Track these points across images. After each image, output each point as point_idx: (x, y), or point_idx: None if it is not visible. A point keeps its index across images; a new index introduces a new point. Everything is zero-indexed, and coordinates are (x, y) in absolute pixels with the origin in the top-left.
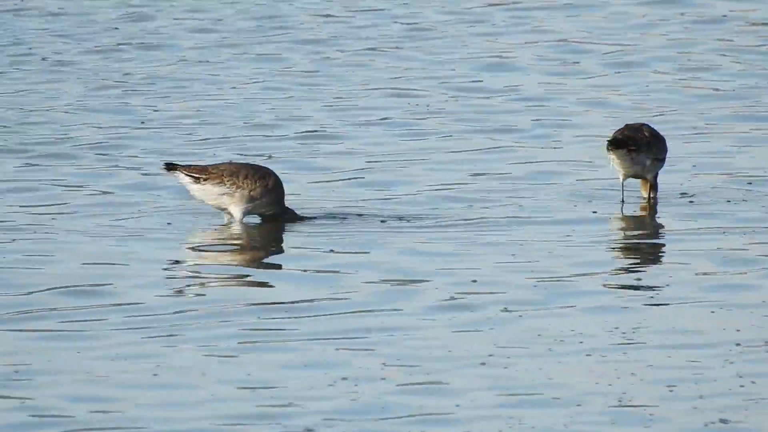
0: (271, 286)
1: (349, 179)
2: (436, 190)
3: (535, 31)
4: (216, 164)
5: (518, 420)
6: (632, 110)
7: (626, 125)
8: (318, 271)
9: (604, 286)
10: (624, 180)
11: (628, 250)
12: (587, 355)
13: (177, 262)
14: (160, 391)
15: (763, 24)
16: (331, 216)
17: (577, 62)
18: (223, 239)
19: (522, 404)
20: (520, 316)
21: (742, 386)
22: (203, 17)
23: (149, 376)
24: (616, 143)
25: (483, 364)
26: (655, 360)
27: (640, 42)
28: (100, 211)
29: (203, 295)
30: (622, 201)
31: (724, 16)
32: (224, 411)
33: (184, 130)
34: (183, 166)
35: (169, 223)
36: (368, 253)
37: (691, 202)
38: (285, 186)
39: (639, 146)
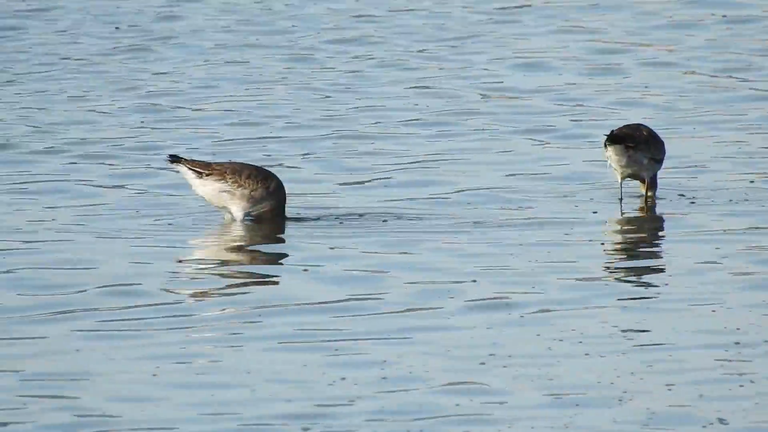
0: (309, 287)
1: (380, 179)
2: (471, 190)
3: (567, 31)
4: (221, 162)
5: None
6: (667, 111)
7: (625, 125)
8: (355, 271)
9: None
10: (622, 180)
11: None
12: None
13: (222, 262)
14: (202, 391)
15: None
16: (367, 216)
17: (616, 63)
18: (257, 240)
19: (566, 404)
20: (560, 315)
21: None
22: (231, 18)
23: (192, 375)
24: (613, 139)
25: (523, 364)
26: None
27: (677, 42)
28: (136, 211)
29: (243, 294)
30: (620, 199)
31: (761, 15)
32: (269, 411)
33: (212, 130)
34: (187, 159)
35: (204, 224)
36: (405, 253)
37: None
38: (313, 186)
39: (637, 143)
